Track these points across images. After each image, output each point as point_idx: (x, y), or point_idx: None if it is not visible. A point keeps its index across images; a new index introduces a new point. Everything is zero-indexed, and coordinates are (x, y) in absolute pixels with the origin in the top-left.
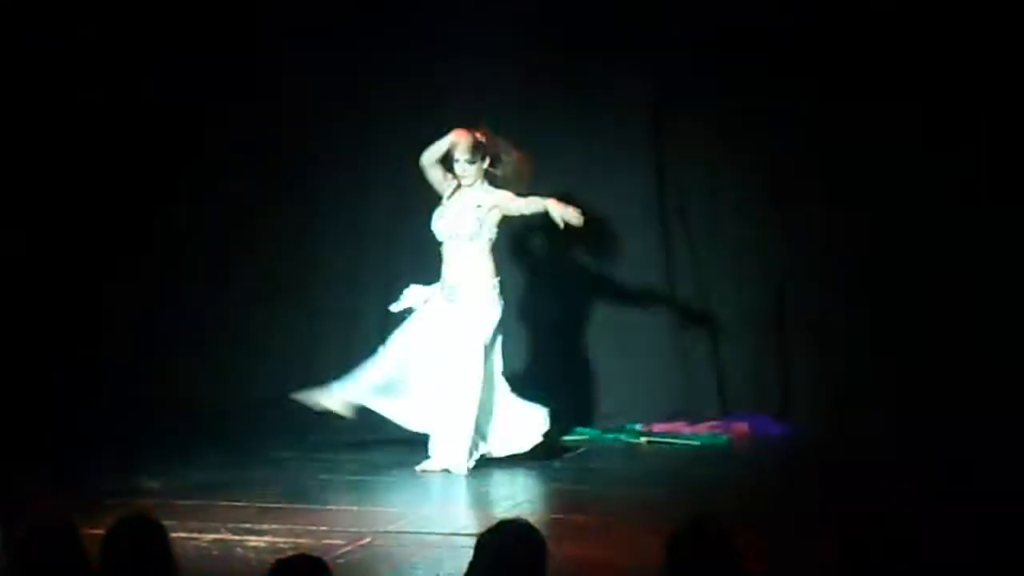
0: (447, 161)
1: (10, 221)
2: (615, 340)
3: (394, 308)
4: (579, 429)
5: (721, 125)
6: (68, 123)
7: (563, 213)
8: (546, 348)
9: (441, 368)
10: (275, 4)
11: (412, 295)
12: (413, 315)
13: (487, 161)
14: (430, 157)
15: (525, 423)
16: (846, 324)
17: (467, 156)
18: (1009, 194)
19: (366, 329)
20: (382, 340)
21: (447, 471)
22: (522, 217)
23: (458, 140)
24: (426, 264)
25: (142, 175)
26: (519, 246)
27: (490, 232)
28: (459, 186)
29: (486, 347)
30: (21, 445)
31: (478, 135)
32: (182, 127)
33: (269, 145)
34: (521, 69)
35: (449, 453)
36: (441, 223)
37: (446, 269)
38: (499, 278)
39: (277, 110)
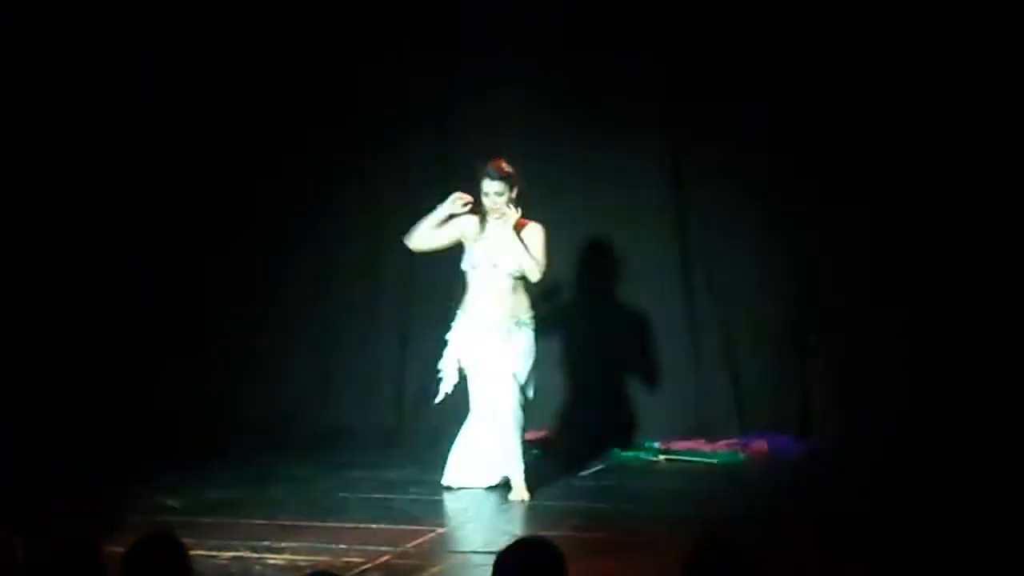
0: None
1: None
2: (631, 357)
3: (442, 393)
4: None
5: (738, 140)
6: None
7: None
8: (566, 366)
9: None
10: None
11: (448, 368)
12: (467, 373)
13: (516, 190)
14: (431, 231)
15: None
16: (867, 340)
17: (497, 188)
18: None
19: (382, 346)
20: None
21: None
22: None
23: (489, 169)
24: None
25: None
26: None
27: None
28: (484, 217)
29: (521, 375)
30: (42, 461)
31: (505, 164)
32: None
33: (290, 171)
34: (534, 95)
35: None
36: (478, 257)
37: (480, 300)
38: (534, 310)
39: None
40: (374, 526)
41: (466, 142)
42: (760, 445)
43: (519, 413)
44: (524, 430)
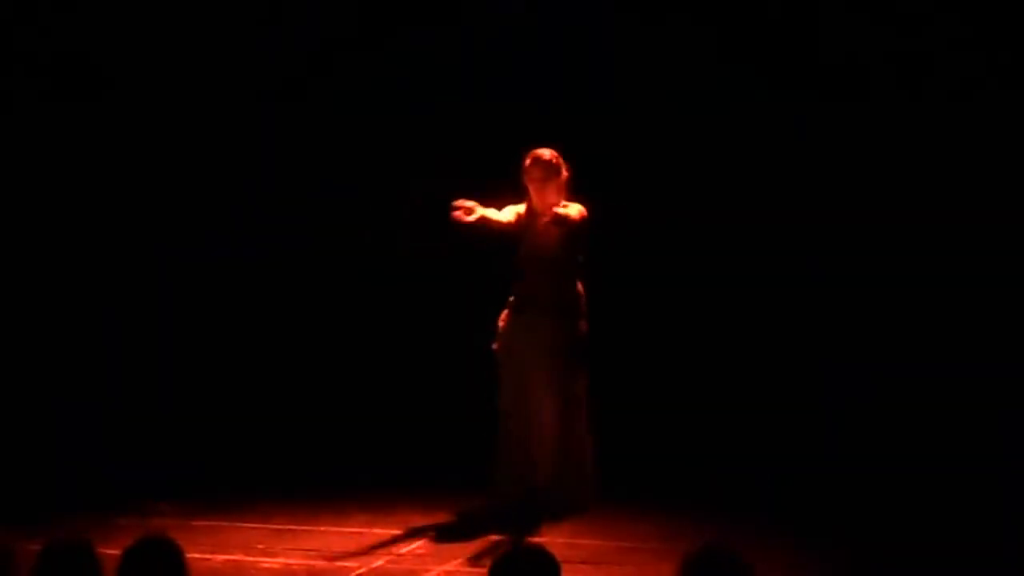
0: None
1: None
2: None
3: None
4: None
5: None
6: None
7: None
8: None
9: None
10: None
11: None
12: (502, 369)
13: (563, 175)
14: (498, 232)
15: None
16: None
17: (541, 174)
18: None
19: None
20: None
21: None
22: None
23: (529, 160)
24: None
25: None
26: None
27: (581, 253)
28: (531, 209)
29: (570, 372)
30: (37, 464)
31: (545, 151)
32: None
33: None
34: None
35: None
36: (527, 248)
37: (527, 290)
38: (585, 298)
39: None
40: (368, 531)
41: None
42: None
43: (562, 411)
44: (570, 430)
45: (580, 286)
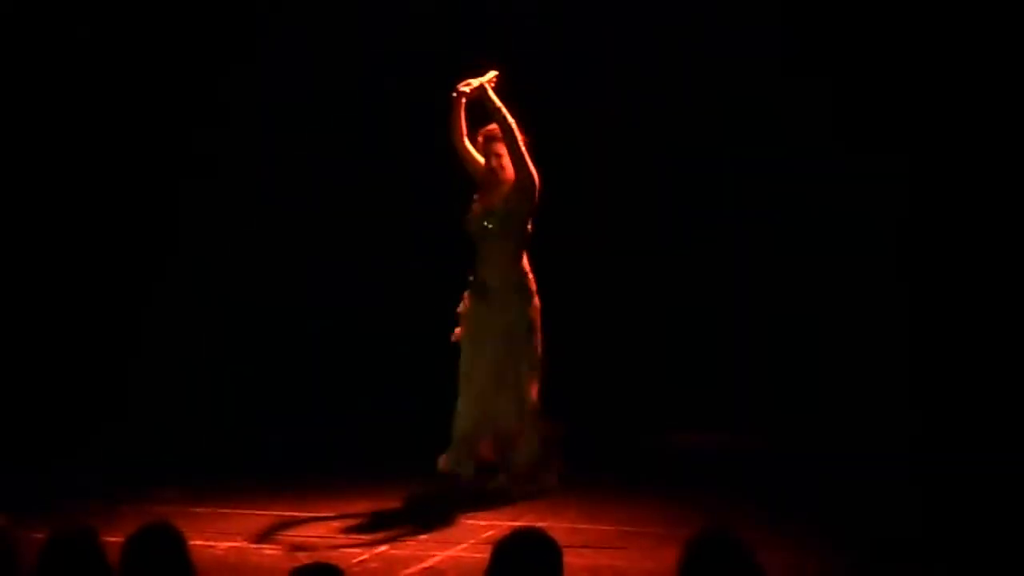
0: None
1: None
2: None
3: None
4: None
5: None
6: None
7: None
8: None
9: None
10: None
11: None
12: (461, 345)
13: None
14: (454, 130)
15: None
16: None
17: (500, 148)
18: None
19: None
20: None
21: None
22: (523, 168)
23: (482, 138)
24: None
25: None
26: None
27: (521, 227)
28: (493, 180)
29: (522, 347)
30: (38, 452)
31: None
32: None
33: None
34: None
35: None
36: (472, 222)
37: (478, 268)
38: (532, 276)
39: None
40: (372, 517)
41: None
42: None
43: (520, 390)
44: (527, 409)
45: (527, 262)
